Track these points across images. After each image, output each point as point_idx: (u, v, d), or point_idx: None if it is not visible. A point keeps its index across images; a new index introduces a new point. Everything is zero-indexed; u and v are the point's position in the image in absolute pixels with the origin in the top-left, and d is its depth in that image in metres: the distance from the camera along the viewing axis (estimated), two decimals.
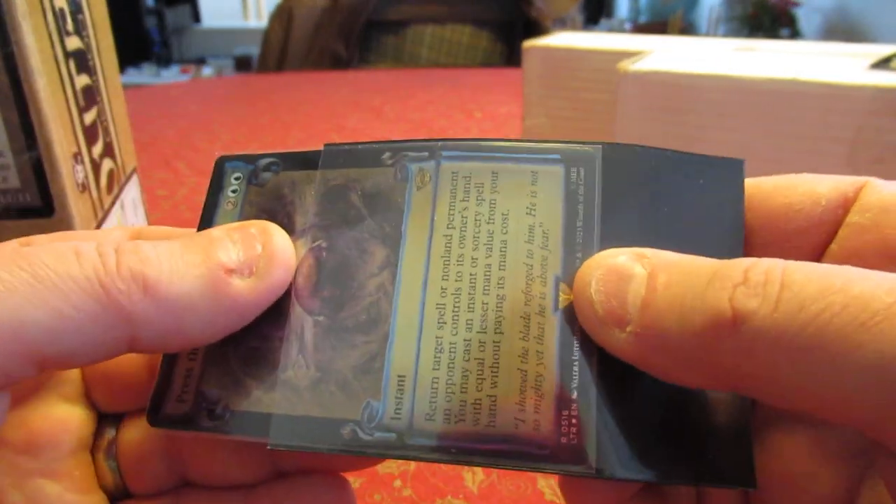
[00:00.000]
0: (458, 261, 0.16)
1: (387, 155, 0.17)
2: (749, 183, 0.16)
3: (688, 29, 3.38)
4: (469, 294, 0.15)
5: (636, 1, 3.62)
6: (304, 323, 0.16)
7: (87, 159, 0.28)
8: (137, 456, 0.18)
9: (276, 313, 0.16)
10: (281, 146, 0.72)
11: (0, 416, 0.14)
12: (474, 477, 0.27)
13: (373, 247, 0.16)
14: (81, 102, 0.28)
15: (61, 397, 0.17)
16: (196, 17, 3.50)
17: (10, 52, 0.23)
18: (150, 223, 0.38)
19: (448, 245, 0.16)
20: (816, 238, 0.15)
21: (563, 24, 1.54)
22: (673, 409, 0.15)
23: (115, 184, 0.32)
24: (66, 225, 0.26)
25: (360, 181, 0.17)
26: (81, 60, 0.28)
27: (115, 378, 0.18)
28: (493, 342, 0.15)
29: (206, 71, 3.06)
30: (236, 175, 0.18)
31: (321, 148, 0.18)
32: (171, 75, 3.00)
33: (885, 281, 0.11)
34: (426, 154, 0.17)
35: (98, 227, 0.29)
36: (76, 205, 0.26)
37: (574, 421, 0.14)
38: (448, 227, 0.16)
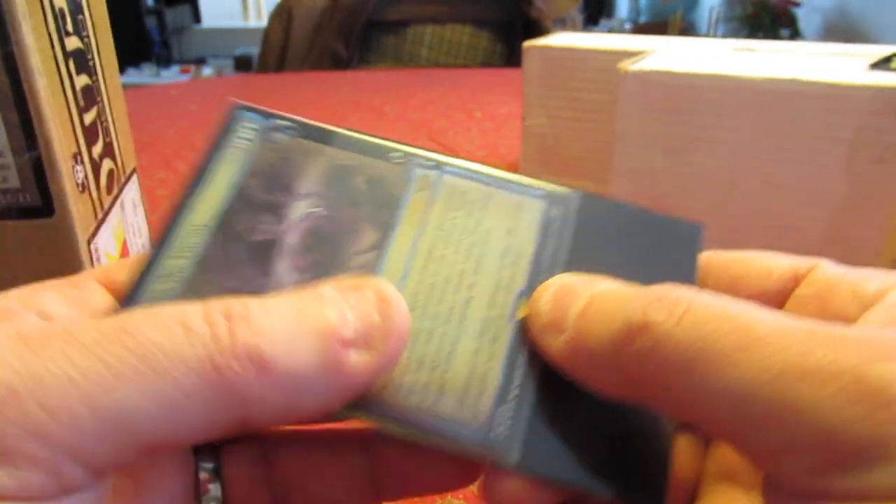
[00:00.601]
0: (439, 259, 0.17)
1: (398, 154, 0.19)
2: (711, 252, 0.18)
3: (688, 29, 3.38)
4: (442, 290, 0.17)
5: (636, 1, 3.62)
6: (286, 277, 0.17)
7: (87, 159, 0.28)
8: (245, 485, 0.17)
9: (260, 259, 0.17)
10: None
11: (107, 496, 0.13)
12: None
13: (365, 228, 0.18)
14: (81, 102, 0.28)
15: None
16: (196, 17, 3.51)
17: (10, 52, 0.23)
18: (150, 223, 0.38)
19: (434, 244, 0.17)
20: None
21: (563, 24, 1.54)
22: (604, 425, 0.16)
23: (115, 184, 0.32)
24: (66, 225, 0.26)
25: (367, 169, 0.18)
26: (81, 60, 0.28)
27: None
28: (453, 335, 0.16)
29: (206, 71, 3.06)
30: (251, 126, 0.19)
31: (338, 128, 0.19)
32: (171, 75, 3.00)
33: (773, 316, 0.13)
34: (433, 164, 0.19)
35: (98, 227, 0.29)
36: (76, 205, 0.26)
37: (508, 416, 0.16)
38: (437, 229, 0.18)
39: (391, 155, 0.19)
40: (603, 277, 0.16)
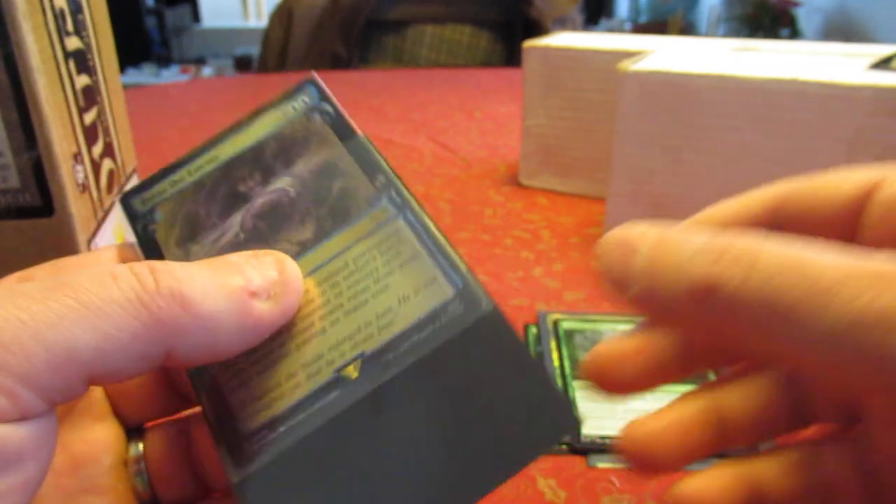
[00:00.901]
0: (333, 285, 0.18)
1: (381, 179, 0.20)
2: (784, 182, 0.18)
3: (688, 29, 3.38)
4: (314, 310, 0.18)
5: (636, 1, 3.61)
6: (232, 229, 0.20)
7: (87, 159, 0.28)
8: (165, 465, 0.19)
9: (228, 205, 0.20)
10: None
11: (53, 434, 0.15)
12: None
13: (309, 224, 0.19)
14: (81, 102, 0.28)
15: (93, 418, 0.19)
16: (196, 17, 3.50)
17: (10, 52, 0.23)
18: None
19: (340, 269, 0.19)
20: (840, 229, 0.17)
21: (563, 24, 1.54)
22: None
23: (115, 184, 0.32)
24: (66, 225, 0.26)
25: (350, 178, 0.20)
26: (81, 60, 0.28)
27: (135, 393, 0.19)
28: (290, 350, 0.18)
29: (206, 71, 3.06)
30: (306, 99, 0.21)
31: (360, 134, 0.21)
32: (171, 75, 3.00)
33: (838, 260, 0.13)
34: (399, 203, 0.19)
35: (98, 227, 0.29)
36: (76, 205, 0.26)
37: (264, 441, 0.17)
38: (354, 259, 0.19)
39: (377, 176, 0.20)
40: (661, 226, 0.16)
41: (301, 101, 0.21)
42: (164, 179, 0.21)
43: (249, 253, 0.17)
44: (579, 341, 0.35)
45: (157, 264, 0.15)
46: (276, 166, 0.20)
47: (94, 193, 0.29)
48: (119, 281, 0.14)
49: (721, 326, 0.15)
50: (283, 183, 0.20)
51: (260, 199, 0.20)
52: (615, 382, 0.18)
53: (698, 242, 0.15)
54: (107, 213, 0.30)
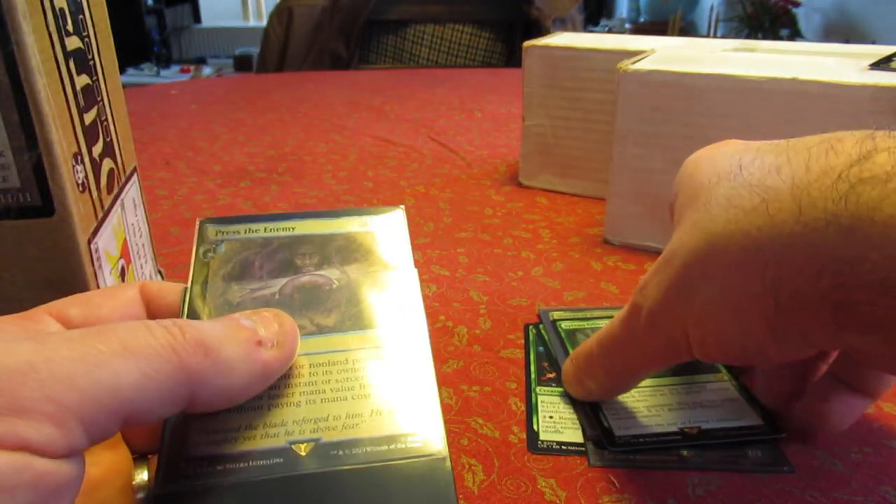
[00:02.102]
0: (332, 371, 0.21)
1: (412, 310, 0.23)
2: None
3: (688, 29, 3.38)
4: (308, 383, 0.20)
5: (636, 1, 3.61)
6: (275, 287, 0.23)
7: (87, 159, 0.28)
8: None
9: (280, 267, 0.23)
10: (281, 146, 0.72)
11: (83, 471, 0.15)
12: (474, 477, 0.27)
13: (334, 315, 0.22)
14: (81, 102, 0.28)
15: (105, 446, 0.20)
16: (196, 17, 3.50)
17: (10, 51, 0.23)
18: (150, 223, 0.38)
19: (343, 363, 0.21)
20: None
21: (563, 24, 1.54)
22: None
23: (115, 184, 0.32)
24: (66, 225, 0.26)
25: (385, 297, 0.23)
26: (81, 60, 0.28)
27: (144, 426, 0.20)
28: (269, 411, 0.20)
29: (206, 71, 3.06)
30: (387, 219, 0.26)
31: (412, 269, 0.24)
32: (171, 75, 3.00)
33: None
34: (415, 337, 0.22)
35: (98, 226, 0.29)
36: (76, 205, 0.26)
37: None
38: (357, 359, 0.21)
39: (409, 306, 0.23)
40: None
41: (383, 220, 0.25)
42: (242, 224, 0.25)
43: (250, 311, 0.20)
44: (581, 340, 0.35)
45: (181, 321, 0.17)
46: (334, 259, 0.24)
47: (94, 193, 0.29)
48: (153, 331, 0.16)
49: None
50: (333, 274, 0.23)
51: (307, 277, 0.23)
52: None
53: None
54: (107, 212, 0.30)
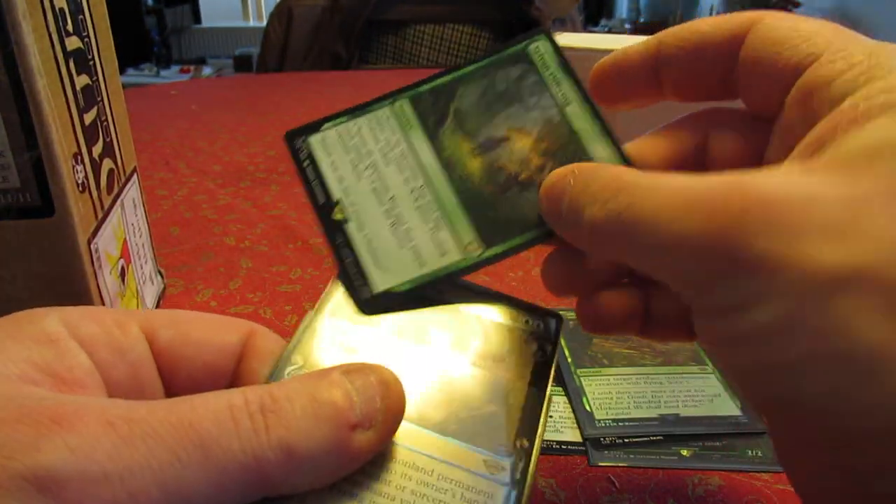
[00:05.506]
0: (423, 491, 0.17)
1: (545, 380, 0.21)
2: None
3: None
4: (384, 482, 0.17)
5: (636, 1, 3.61)
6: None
7: (87, 159, 0.28)
8: None
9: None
10: (281, 146, 0.72)
11: None
12: None
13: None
14: (81, 102, 0.28)
15: None
16: (196, 17, 3.51)
17: (10, 51, 0.23)
18: (150, 223, 0.38)
19: (432, 485, 0.18)
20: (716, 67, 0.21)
21: (563, 24, 1.54)
22: None
23: (115, 184, 0.32)
24: (66, 225, 0.26)
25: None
26: (81, 60, 0.28)
27: None
28: (328, 492, 0.17)
29: (206, 71, 3.06)
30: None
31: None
32: (171, 75, 3.00)
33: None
34: (516, 480, 0.18)
35: (98, 226, 0.29)
36: (76, 205, 0.26)
37: None
38: (445, 478, 0.18)
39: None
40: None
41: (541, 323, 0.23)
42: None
43: (354, 366, 0.17)
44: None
45: (267, 398, 0.15)
46: (472, 344, 0.21)
47: (94, 193, 0.29)
48: (239, 426, 0.15)
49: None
50: (462, 360, 0.20)
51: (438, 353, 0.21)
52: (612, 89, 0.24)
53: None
54: (107, 212, 0.30)
